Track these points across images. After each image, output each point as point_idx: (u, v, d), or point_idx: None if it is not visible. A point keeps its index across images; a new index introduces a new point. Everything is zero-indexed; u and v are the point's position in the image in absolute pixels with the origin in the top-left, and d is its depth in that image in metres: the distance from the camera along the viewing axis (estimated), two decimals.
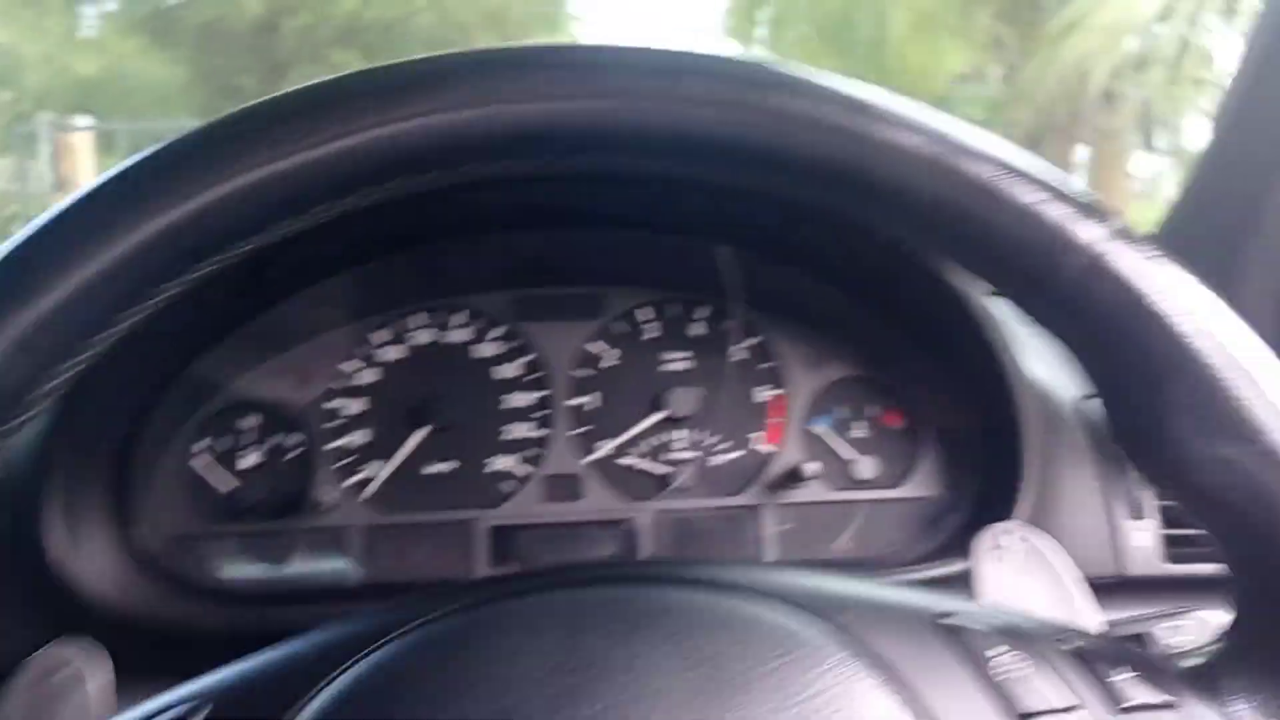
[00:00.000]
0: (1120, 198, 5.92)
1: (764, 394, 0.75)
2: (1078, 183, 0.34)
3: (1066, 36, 4.71)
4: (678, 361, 0.75)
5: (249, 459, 0.71)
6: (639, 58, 0.32)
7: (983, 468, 0.72)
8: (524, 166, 0.33)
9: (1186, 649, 0.40)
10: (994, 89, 6.05)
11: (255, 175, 0.30)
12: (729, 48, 6.46)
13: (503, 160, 0.32)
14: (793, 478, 0.72)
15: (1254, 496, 0.32)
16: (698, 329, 0.76)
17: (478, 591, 0.37)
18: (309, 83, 0.33)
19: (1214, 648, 0.36)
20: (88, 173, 5.86)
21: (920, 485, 0.74)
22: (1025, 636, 0.35)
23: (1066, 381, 0.74)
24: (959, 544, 0.66)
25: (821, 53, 5.80)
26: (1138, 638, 0.54)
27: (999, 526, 0.45)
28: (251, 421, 0.72)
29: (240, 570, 0.70)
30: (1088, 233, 0.32)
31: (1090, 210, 0.33)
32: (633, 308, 0.76)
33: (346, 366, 0.73)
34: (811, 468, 0.72)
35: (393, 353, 0.74)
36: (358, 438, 0.72)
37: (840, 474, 0.75)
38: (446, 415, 0.72)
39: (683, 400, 0.74)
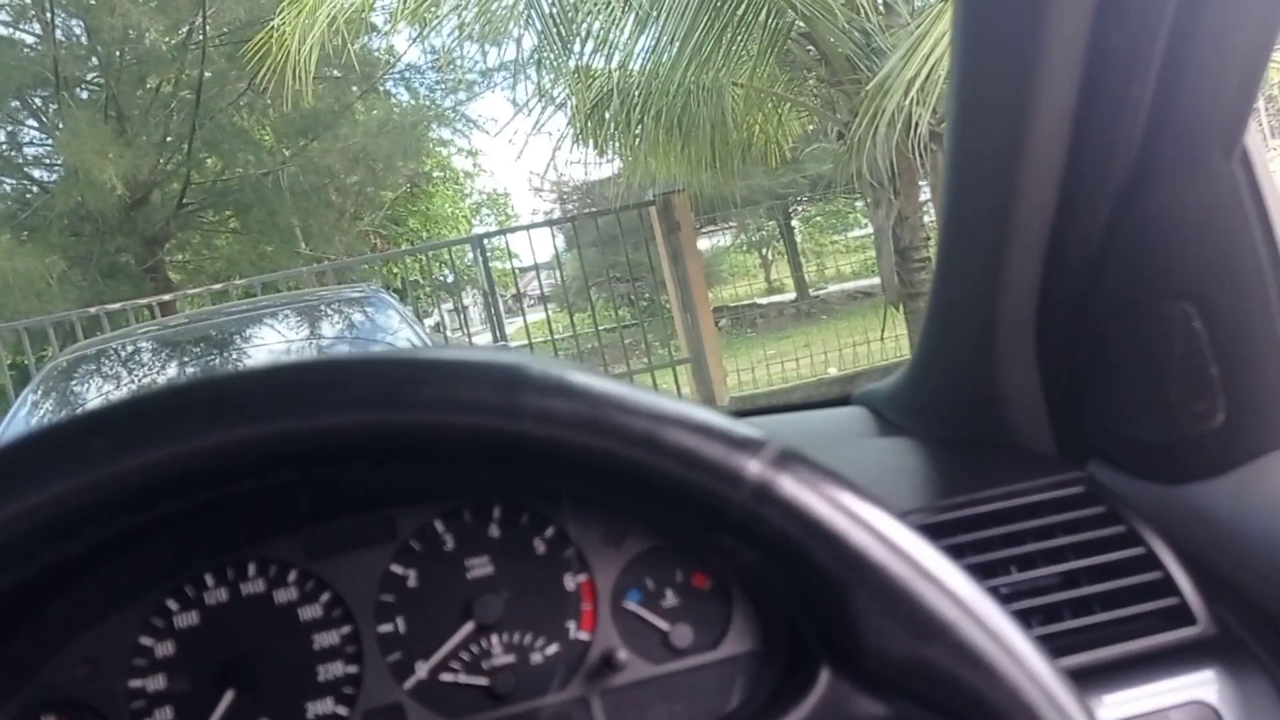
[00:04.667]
0: None
1: (571, 582, 0.75)
2: (729, 419, 0.36)
3: (884, 92, 5.08)
4: (481, 567, 0.74)
5: None
6: (273, 381, 0.35)
7: (791, 613, 0.79)
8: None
9: None
10: (835, 145, 6.42)
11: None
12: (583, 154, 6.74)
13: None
14: (609, 664, 0.72)
15: (954, 691, 0.34)
16: (495, 531, 0.75)
17: None
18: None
19: None
20: None
21: (736, 643, 0.74)
22: None
23: None
24: (780, 696, 0.68)
25: (667, 141, 6.10)
26: None
27: None
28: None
29: None
30: (751, 464, 0.34)
31: (749, 444, 0.34)
32: (429, 522, 0.75)
33: (144, 641, 0.70)
34: (623, 655, 0.72)
35: (189, 619, 0.71)
36: (166, 714, 0.69)
37: (659, 646, 0.74)
38: (255, 670, 0.70)
39: (491, 605, 0.73)
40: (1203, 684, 0.71)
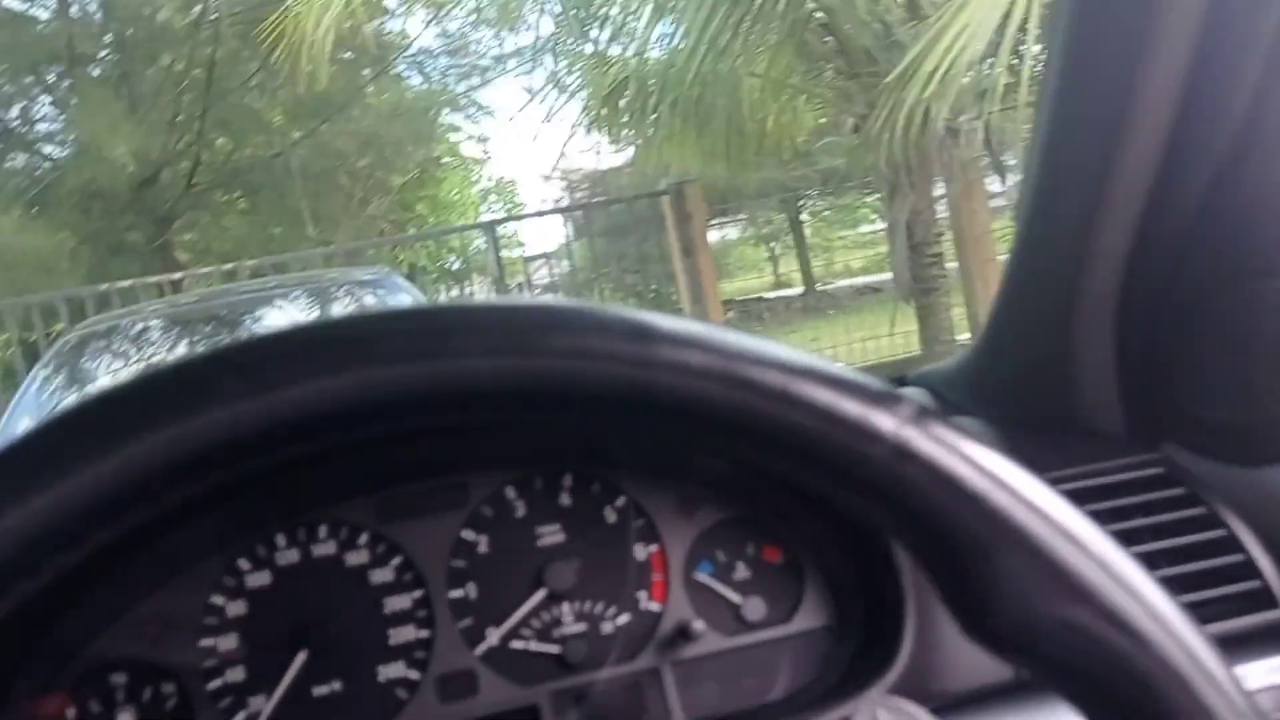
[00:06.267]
0: (983, 218, 6.32)
1: (642, 552, 0.75)
2: (867, 377, 0.35)
3: (903, 85, 5.05)
4: (552, 535, 0.74)
5: (126, 718, 0.68)
6: (406, 323, 0.35)
7: (866, 589, 0.73)
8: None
9: None
10: (849, 138, 6.40)
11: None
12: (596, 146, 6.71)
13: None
14: (683, 635, 0.72)
15: (1099, 657, 0.33)
16: (566, 499, 0.75)
17: None
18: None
19: None
20: None
21: (808, 617, 0.74)
22: None
23: None
24: (855, 673, 0.70)
25: (682, 131, 6.08)
26: None
27: (874, 700, 0.45)
28: (122, 678, 0.68)
29: None
30: (889, 420, 0.33)
31: (887, 399, 0.34)
32: (500, 488, 0.74)
33: (216, 600, 0.70)
34: (698, 626, 0.72)
35: (261, 579, 0.71)
36: (237, 673, 0.69)
37: (730, 619, 0.74)
38: (327, 632, 0.70)
39: (563, 574, 0.72)
40: None
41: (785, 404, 0.33)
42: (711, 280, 7.24)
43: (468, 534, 0.74)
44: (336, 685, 0.70)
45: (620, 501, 0.75)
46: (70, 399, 3.84)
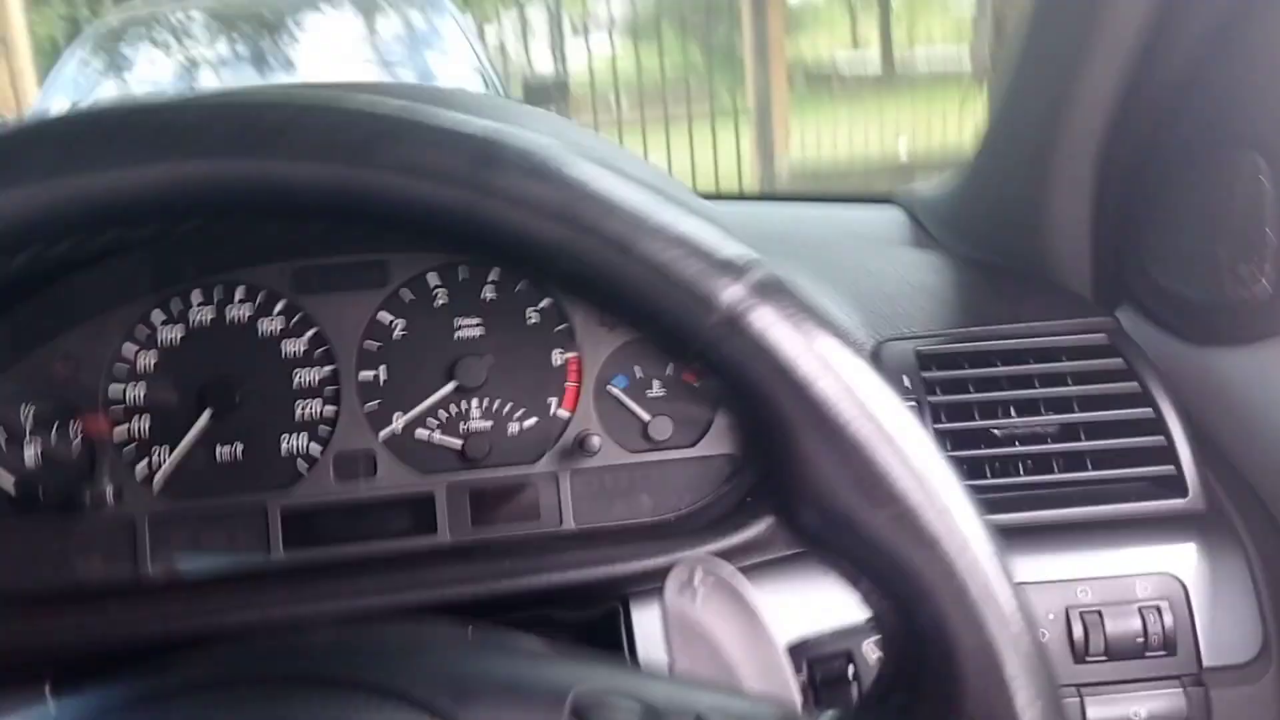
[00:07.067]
0: None
1: (559, 358, 0.74)
2: (719, 234, 0.33)
3: None
4: (470, 328, 0.74)
5: (29, 452, 0.69)
6: (234, 115, 0.33)
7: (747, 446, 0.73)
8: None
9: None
10: None
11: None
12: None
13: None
14: (581, 447, 0.73)
15: (891, 562, 0.32)
16: (489, 293, 0.74)
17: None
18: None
19: (854, 709, 0.36)
20: None
21: (714, 444, 0.74)
22: (661, 713, 0.34)
23: (859, 329, 0.77)
24: (752, 502, 0.70)
25: None
26: (847, 654, 0.56)
27: (691, 561, 0.44)
28: (28, 412, 0.69)
29: (23, 572, 0.68)
30: (728, 290, 0.32)
31: (731, 267, 0.32)
32: (422, 273, 0.74)
33: (126, 349, 0.71)
34: (596, 440, 0.72)
35: (173, 333, 0.72)
36: (143, 423, 0.70)
37: (636, 435, 0.74)
38: (235, 395, 0.71)
39: (475, 368, 0.73)
40: (1178, 557, 0.70)
41: (622, 255, 0.32)
42: (779, 40, 6.85)
43: (384, 316, 0.73)
44: (239, 448, 0.71)
45: (544, 303, 0.74)
46: (107, 83, 3.85)
